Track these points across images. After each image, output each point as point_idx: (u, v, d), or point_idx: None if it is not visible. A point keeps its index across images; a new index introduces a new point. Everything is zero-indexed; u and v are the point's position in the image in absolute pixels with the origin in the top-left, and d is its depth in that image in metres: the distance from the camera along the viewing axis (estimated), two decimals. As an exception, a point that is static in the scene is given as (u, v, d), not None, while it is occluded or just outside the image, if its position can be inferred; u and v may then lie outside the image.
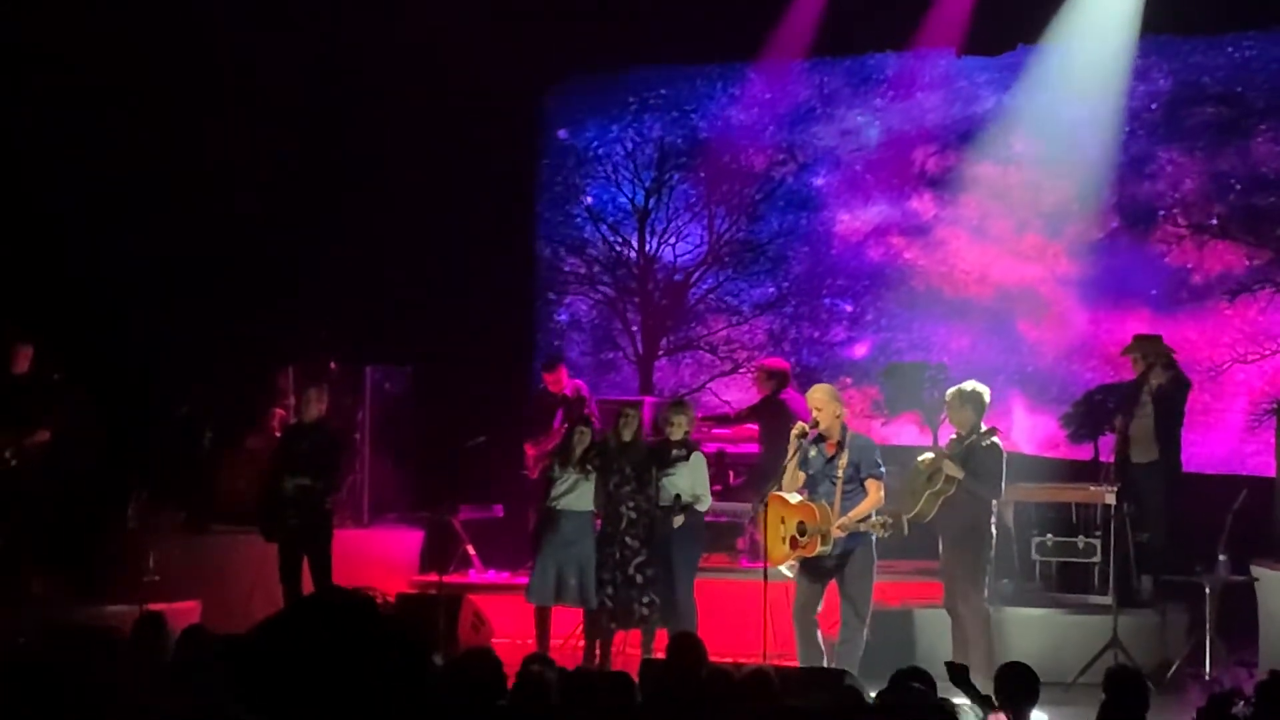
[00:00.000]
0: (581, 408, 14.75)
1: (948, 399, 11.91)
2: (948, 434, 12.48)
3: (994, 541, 11.82)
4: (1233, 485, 13.10)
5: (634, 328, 18.50)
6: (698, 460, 12.55)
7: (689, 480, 12.38)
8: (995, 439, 11.66)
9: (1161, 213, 16.65)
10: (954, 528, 11.66)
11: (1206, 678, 11.80)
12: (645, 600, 12.24)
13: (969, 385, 11.86)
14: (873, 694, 8.62)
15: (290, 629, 3.14)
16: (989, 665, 10.88)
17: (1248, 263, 16.23)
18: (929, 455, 11.87)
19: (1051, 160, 16.88)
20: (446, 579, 13.73)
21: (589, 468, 12.55)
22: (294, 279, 16.48)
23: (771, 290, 18.28)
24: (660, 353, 18.37)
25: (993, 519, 11.78)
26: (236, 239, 16.31)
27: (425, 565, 14.85)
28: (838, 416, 11.30)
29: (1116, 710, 7.39)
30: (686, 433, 12.47)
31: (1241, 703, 7.24)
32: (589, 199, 18.85)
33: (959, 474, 11.50)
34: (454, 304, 17.08)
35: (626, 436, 12.50)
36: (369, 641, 3.07)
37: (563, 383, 15.31)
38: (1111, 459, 13.17)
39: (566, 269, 18.85)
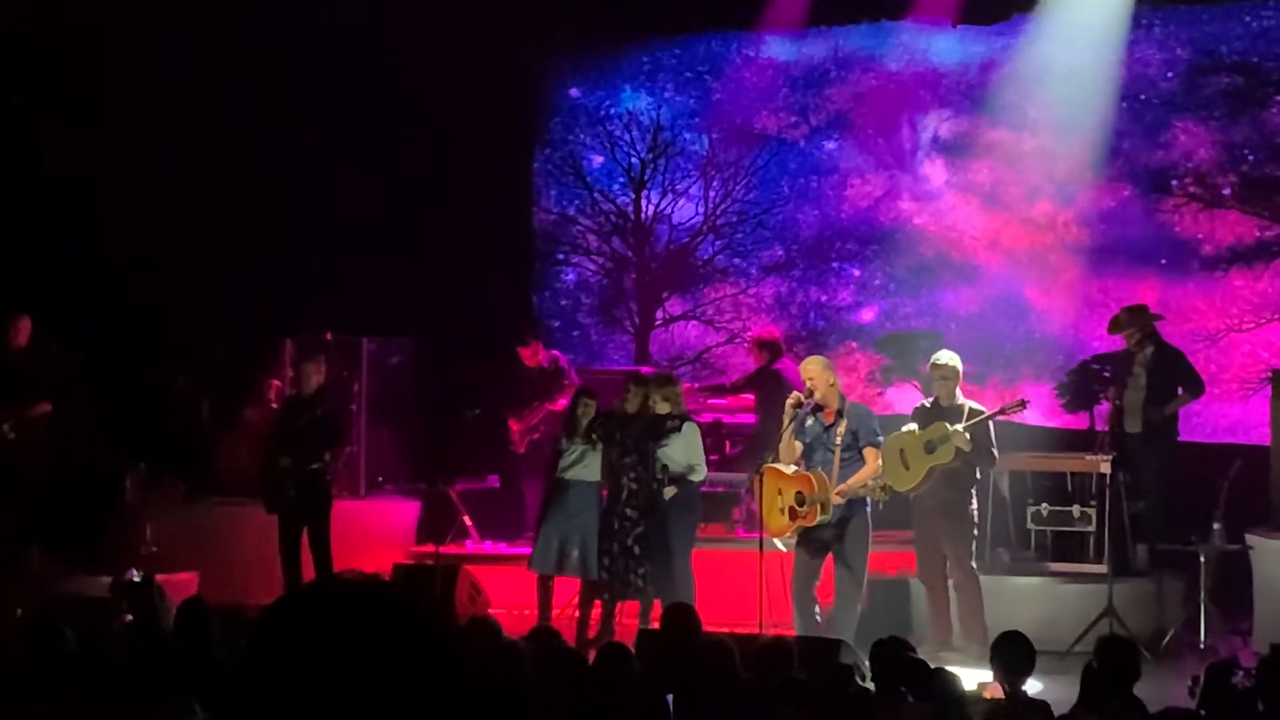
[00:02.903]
0: (560, 378, 15.07)
1: (947, 371, 12.33)
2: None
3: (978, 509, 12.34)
4: (1228, 454, 13.43)
5: (632, 300, 18.78)
6: (690, 430, 12.88)
7: (681, 451, 12.72)
8: (978, 406, 12.20)
9: (1174, 182, 16.94)
10: (946, 498, 12.15)
11: (1201, 646, 12.16)
12: (641, 571, 12.57)
13: (955, 358, 12.41)
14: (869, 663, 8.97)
15: (299, 614, 3.11)
16: (985, 633, 11.29)
17: (1259, 233, 16.53)
18: (913, 427, 12.24)
19: (1065, 127, 17.12)
20: (443, 550, 13.95)
21: (594, 438, 12.90)
22: (291, 250, 16.74)
23: (780, 253, 18.57)
24: (658, 323, 18.66)
25: (975, 487, 12.30)
26: (233, 210, 16.58)
27: (422, 536, 15.09)
28: (832, 385, 11.70)
29: (1107, 678, 7.70)
30: (672, 407, 12.78)
31: (1241, 673, 7.49)
32: (598, 159, 19.11)
33: (969, 446, 11.90)
34: (451, 273, 17.32)
35: (631, 409, 12.83)
36: (381, 620, 3.05)
37: (538, 355, 15.49)
38: (1106, 428, 13.51)
39: (576, 231, 19.12)
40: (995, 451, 12.30)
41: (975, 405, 12.25)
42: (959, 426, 12.01)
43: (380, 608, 3.04)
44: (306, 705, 2.89)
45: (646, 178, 18.79)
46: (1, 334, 13.97)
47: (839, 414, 11.60)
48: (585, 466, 12.95)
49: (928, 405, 12.43)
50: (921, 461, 12.04)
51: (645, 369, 15.80)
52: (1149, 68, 17.02)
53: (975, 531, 12.34)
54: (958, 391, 12.34)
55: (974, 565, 12.27)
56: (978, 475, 12.31)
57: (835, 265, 18.41)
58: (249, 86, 16.70)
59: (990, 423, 12.16)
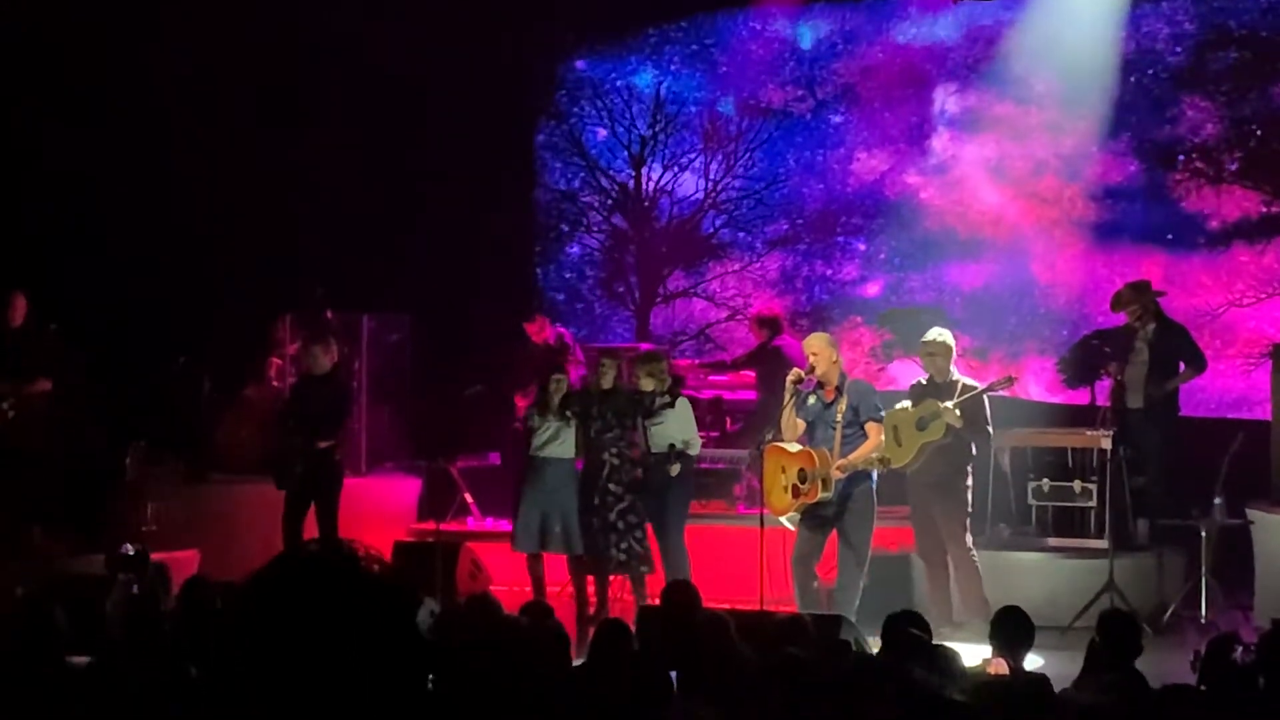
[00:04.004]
0: (565, 354, 15.14)
1: (936, 347, 12.40)
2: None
3: (973, 485, 12.38)
4: (1229, 429, 13.50)
5: (632, 275, 18.88)
6: (683, 406, 13.01)
7: (678, 427, 12.84)
8: (971, 380, 12.29)
9: (1181, 157, 17.02)
10: (940, 474, 12.22)
11: (1202, 621, 12.29)
12: (623, 546, 12.74)
13: (945, 334, 12.46)
14: (870, 639, 9.04)
15: (268, 586, 3.21)
16: (987, 608, 11.35)
17: (1264, 209, 16.59)
18: (906, 404, 12.33)
19: (1071, 102, 17.19)
20: (444, 527, 14.07)
21: (568, 415, 13.00)
22: (291, 228, 16.83)
23: (785, 227, 18.67)
24: (658, 299, 18.74)
25: (971, 464, 12.34)
26: (233, 187, 16.68)
27: (423, 514, 15.27)
28: (834, 363, 11.74)
29: (1109, 653, 7.76)
30: (656, 385, 12.90)
31: (1240, 649, 7.54)
32: (602, 133, 19.19)
33: (959, 423, 11.98)
34: (453, 249, 17.41)
35: (605, 384, 12.97)
36: (349, 599, 3.13)
37: (545, 332, 15.65)
38: (1108, 403, 13.58)
39: (580, 204, 19.21)
40: (990, 428, 12.41)
41: (968, 381, 12.35)
42: (949, 403, 12.10)
43: (356, 581, 3.08)
44: (285, 668, 2.95)
45: (649, 153, 18.87)
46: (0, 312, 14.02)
47: (839, 391, 11.66)
48: (560, 444, 13.05)
49: (923, 383, 12.52)
50: (913, 438, 12.15)
51: (645, 345, 15.87)
52: (1157, 42, 17.10)
53: (970, 509, 12.41)
54: (952, 368, 12.43)
55: (968, 541, 12.33)
56: (973, 451, 12.39)
57: (840, 239, 18.55)
58: (251, 66, 16.74)
59: (985, 398, 12.26)
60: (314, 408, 13.31)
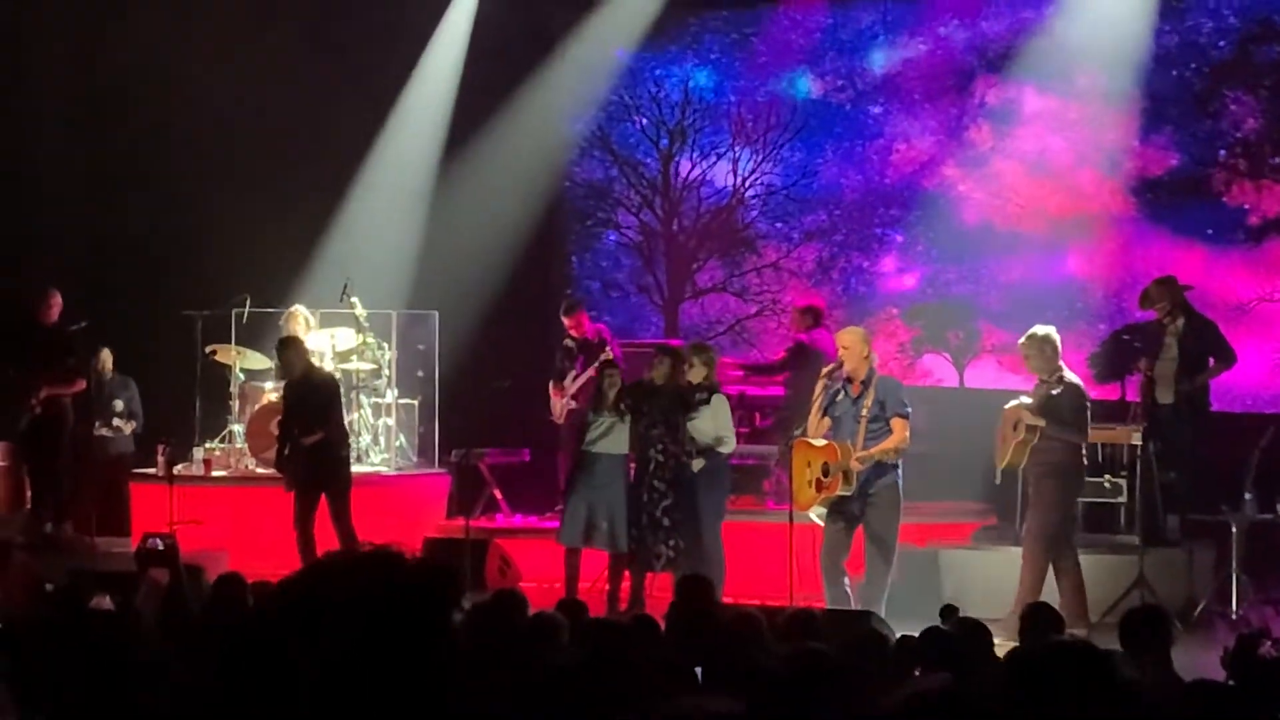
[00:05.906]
0: (601, 351, 15.25)
1: (1026, 346, 12.38)
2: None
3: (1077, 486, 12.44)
4: (1260, 423, 13.65)
5: (660, 270, 19.11)
6: (719, 402, 13.06)
7: (710, 423, 12.95)
8: (1071, 377, 12.22)
9: (1222, 152, 17.19)
10: (1034, 472, 12.28)
11: (1233, 616, 12.39)
12: (669, 544, 12.80)
13: (1041, 330, 12.38)
14: (899, 635, 9.18)
15: (310, 587, 3.25)
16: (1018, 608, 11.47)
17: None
18: (1017, 402, 12.35)
19: (1113, 95, 17.38)
20: (473, 524, 14.26)
21: (623, 409, 13.17)
22: (316, 227, 17.14)
23: (823, 218, 18.88)
24: (687, 295, 18.94)
25: (1065, 465, 12.24)
26: (264, 181, 17.01)
27: (452, 510, 15.47)
28: (865, 358, 11.87)
29: (1139, 648, 7.92)
30: (706, 375, 12.99)
31: (1269, 643, 7.68)
32: (641, 121, 19.41)
33: (1040, 423, 12.04)
34: (482, 245, 17.68)
35: (659, 379, 13.02)
36: (388, 598, 3.18)
37: (583, 326, 15.60)
38: (1138, 399, 13.72)
39: (615, 194, 19.45)
40: (1085, 421, 12.28)
41: (1069, 377, 12.27)
42: (1023, 399, 12.21)
43: (387, 589, 3.23)
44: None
45: (680, 146, 19.09)
46: (35, 308, 14.26)
47: (865, 385, 11.80)
48: (612, 439, 13.12)
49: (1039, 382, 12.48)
50: (1010, 438, 12.19)
51: (674, 341, 15.98)
52: (1200, 35, 17.25)
53: (1063, 508, 12.33)
54: (1060, 364, 12.28)
55: (1042, 542, 12.20)
56: (1083, 452, 12.34)
57: (878, 231, 18.77)
58: (279, 52, 17.06)
59: (1080, 391, 12.26)
60: (298, 409, 13.53)
